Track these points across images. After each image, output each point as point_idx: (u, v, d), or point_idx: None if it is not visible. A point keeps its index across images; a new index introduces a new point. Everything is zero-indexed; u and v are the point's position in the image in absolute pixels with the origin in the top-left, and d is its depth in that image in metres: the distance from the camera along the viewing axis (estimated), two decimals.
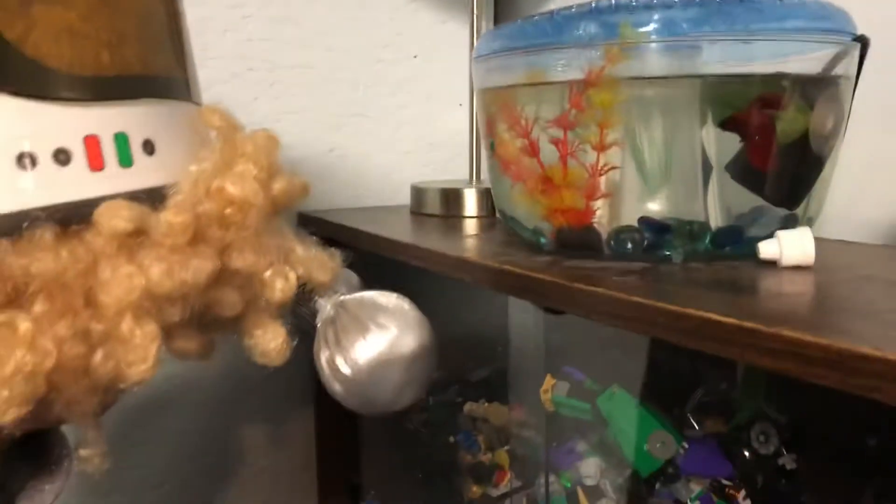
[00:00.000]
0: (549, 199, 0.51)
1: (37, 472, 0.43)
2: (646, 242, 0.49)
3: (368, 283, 0.51)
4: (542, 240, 0.53)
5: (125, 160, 0.36)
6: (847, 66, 0.48)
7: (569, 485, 0.57)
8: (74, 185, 0.35)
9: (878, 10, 0.56)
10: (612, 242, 0.49)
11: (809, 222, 0.52)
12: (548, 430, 0.60)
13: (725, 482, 0.53)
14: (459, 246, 0.61)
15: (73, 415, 0.37)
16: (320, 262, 0.43)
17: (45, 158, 0.34)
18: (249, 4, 0.83)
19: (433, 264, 0.58)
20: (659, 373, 0.58)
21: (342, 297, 0.44)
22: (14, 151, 0.34)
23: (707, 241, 0.48)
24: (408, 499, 0.86)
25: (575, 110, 0.48)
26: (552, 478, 0.58)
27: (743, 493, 0.53)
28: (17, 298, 0.33)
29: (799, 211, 0.50)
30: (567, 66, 0.48)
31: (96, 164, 0.35)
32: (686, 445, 0.54)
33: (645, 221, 0.48)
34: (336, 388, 0.43)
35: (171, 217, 0.35)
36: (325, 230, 0.77)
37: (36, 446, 0.44)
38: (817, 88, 0.47)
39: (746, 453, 0.53)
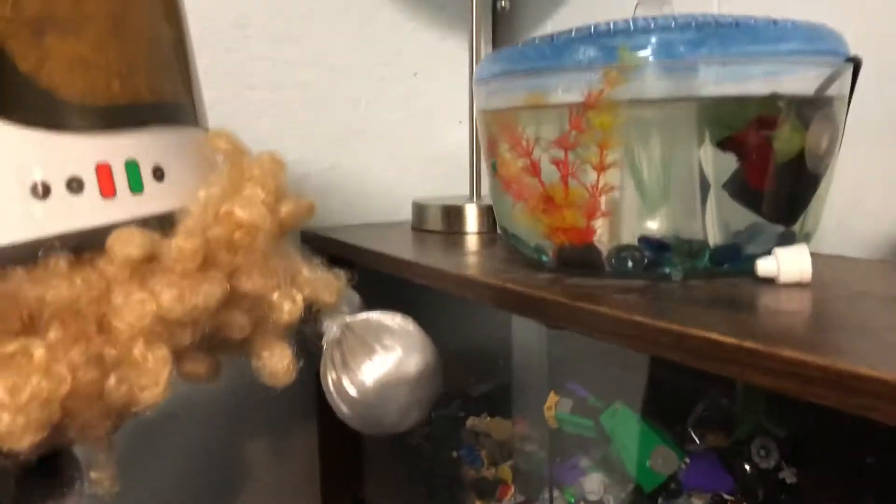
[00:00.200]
0: (550, 217, 0.52)
1: (49, 494, 0.44)
2: (646, 260, 0.49)
3: (371, 298, 0.52)
4: (544, 257, 0.54)
5: (136, 187, 0.37)
6: (840, 86, 0.49)
7: (572, 500, 0.57)
8: (87, 212, 0.35)
9: (870, 27, 0.58)
10: (613, 260, 0.50)
11: (807, 238, 0.52)
12: (551, 446, 0.60)
13: (727, 496, 0.54)
14: (461, 263, 0.62)
15: (87, 438, 0.38)
16: (326, 283, 0.43)
17: (58, 187, 0.35)
18: (251, 24, 0.85)
19: (435, 282, 0.58)
20: (660, 387, 0.59)
21: (348, 319, 0.45)
22: (28, 181, 0.34)
23: (706, 258, 0.49)
24: None
25: (575, 132, 0.49)
26: (556, 493, 0.59)
27: None
28: (32, 325, 0.34)
29: (796, 227, 0.51)
30: (567, 89, 0.49)
31: (108, 191, 0.36)
32: (687, 461, 0.54)
33: (645, 240, 0.49)
34: (343, 409, 0.44)
35: (181, 243, 0.36)
36: (327, 247, 0.77)
37: (48, 468, 0.44)
38: (812, 108, 0.48)
39: (747, 467, 0.54)
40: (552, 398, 0.56)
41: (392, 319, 0.45)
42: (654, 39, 0.46)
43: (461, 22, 0.96)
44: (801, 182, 0.50)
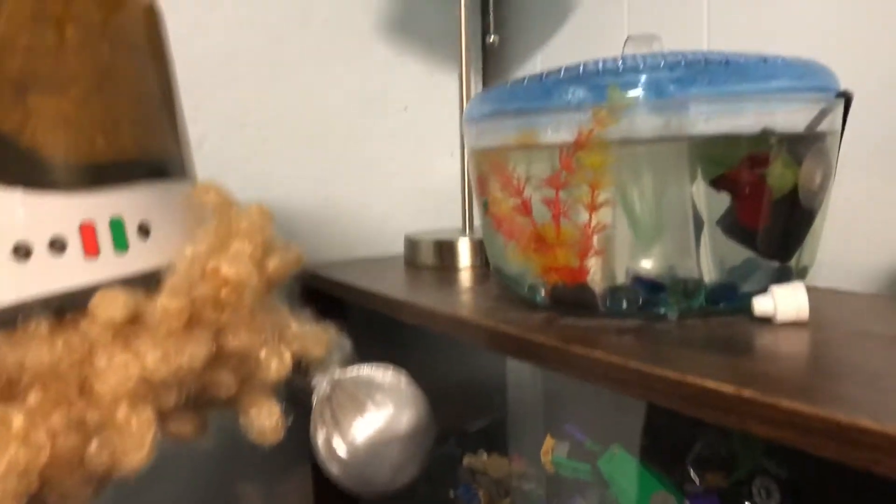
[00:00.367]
0: (542, 257, 0.51)
1: None
2: (641, 300, 0.49)
3: (364, 333, 0.51)
4: (537, 297, 0.53)
5: (120, 245, 0.36)
6: (832, 121, 0.49)
7: None
8: (70, 273, 0.35)
9: (860, 59, 0.57)
10: (608, 301, 0.49)
11: (803, 273, 0.52)
12: (548, 489, 0.59)
13: None
14: (454, 302, 0.61)
15: None
16: (315, 337, 0.43)
17: (40, 248, 0.34)
18: (240, 62, 0.84)
19: (428, 322, 0.58)
20: (658, 425, 0.58)
21: (337, 375, 0.44)
22: (9, 243, 0.34)
23: (701, 298, 0.48)
24: None
25: (566, 172, 0.48)
26: None
27: None
28: (11, 390, 0.33)
29: (792, 262, 0.51)
30: (557, 129, 0.48)
31: (91, 250, 0.35)
32: (687, 503, 0.53)
33: (639, 280, 0.48)
34: (333, 469, 0.43)
35: (166, 302, 0.35)
36: (320, 285, 0.77)
37: None
38: (804, 144, 0.48)
39: None
40: (548, 442, 0.55)
41: (383, 374, 0.45)
42: (643, 78, 0.46)
43: (451, 56, 0.97)
44: (796, 218, 0.49)
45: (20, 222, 0.34)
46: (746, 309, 0.47)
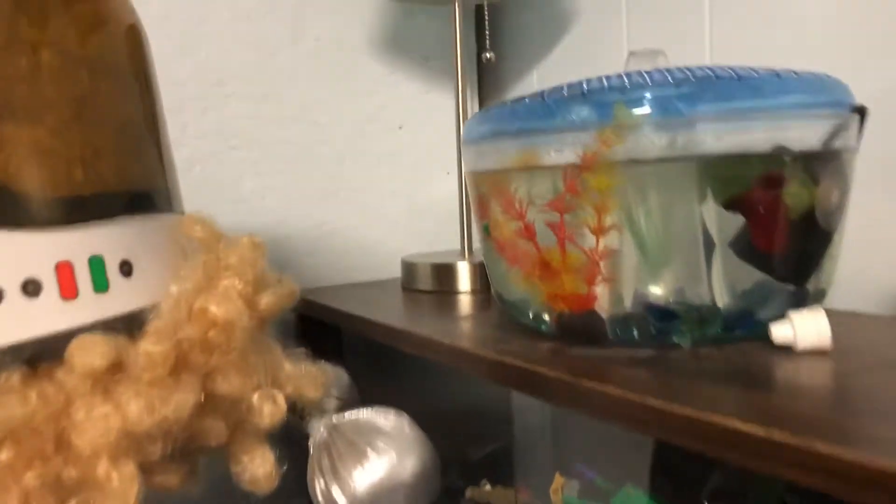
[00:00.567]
0: (548, 283, 0.49)
1: None
2: (653, 329, 0.46)
3: (361, 359, 0.48)
4: (543, 326, 0.51)
5: (101, 285, 0.33)
6: (848, 137, 0.47)
7: None
8: (44, 317, 0.32)
9: (869, 72, 0.56)
10: (618, 330, 0.47)
11: (820, 295, 0.49)
12: None
13: None
14: (455, 331, 0.58)
15: None
16: (310, 378, 0.40)
17: (12, 291, 0.31)
18: (230, 82, 0.82)
19: (429, 353, 0.55)
20: (670, 456, 0.55)
21: (336, 420, 0.41)
22: None
23: (717, 326, 0.46)
24: None
25: (570, 194, 0.46)
26: None
27: None
28: None
29: (809, 285, 0.48)
30: (560, 150, 0.46)
31: (69, 292, 0.32)
32: None
33: (650, 308, 0.46)
34: None
35: (150, 347, 0.33)
36: (315, 312, 0.74)
37: None
38: (820, 162, 0.46)
39: None
40: (558, 480, 0.52)
41: (385, 418, 0.42)
42: (651, 96, 0.44)
43: (445, 73, 0.95)
44: (813, 239, 0.47)
45: None
46: (763, 335, 0.45)
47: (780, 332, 0.44)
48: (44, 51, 0.33)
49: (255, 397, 0.37)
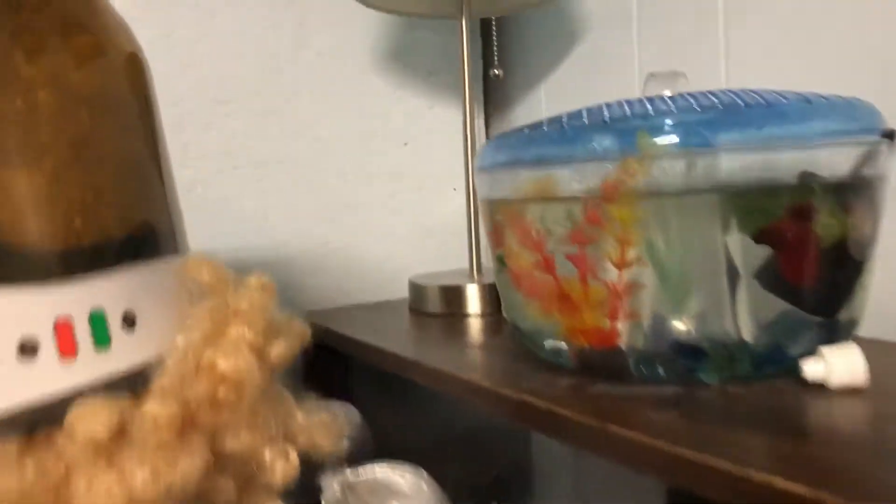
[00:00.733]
0: (568, 318, 0.47)
1: None
2: (679, 367, 0.44)
3: (370, 379, 0.46)
4: (562, 360, 0.49)
5: (102, 341, 0.31)
6: (880, 164, 0.45)
7: None
8: (42, 380, 0.30)
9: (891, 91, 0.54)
10: (642, 367, 0.45)
11: (851, 326, 0.47)
12: None
13: None
14: (468, 362, 0.56)
15: None
16: (324, 429, 0.38)
17: (7, 353, 0.29)
18: (232, 100, 0.80)
19: (441, 386, 0.53)
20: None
21: (351, 478, 0.39)
22: None
23: (746, 364, 0.44)
24: None
25: (592, 226, 0.44)
26: None
27: None
28: None
29: (840, 317, 0.46)
30: (580, 181, 0.44)
31: (68, 351, 0.30)
32: None
33: (677, 346, 0.44)
34: None
35: (155, 411, 0.30)
36: (322, 337, 0.72)
37: None
38: (851, 190, 0.44)
39: None
40: None
41: (402, 476, 0.40)
42: (676, 123, 0.42)
43: (451, 88, 0.93)
44: (845, 270, 0.45)
45: None
46: (793, 370, 0.43)
47: (811, 369, 0.43)
48: (41, 90, 0.31)
49: (267, 454, 0.35)
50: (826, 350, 0.43)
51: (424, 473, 0.41)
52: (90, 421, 0.29)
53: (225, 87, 0.80)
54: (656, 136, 0.42)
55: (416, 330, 0.70)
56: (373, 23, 0.88)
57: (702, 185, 0.43)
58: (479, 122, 0.98)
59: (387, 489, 0.39)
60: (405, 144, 0.90)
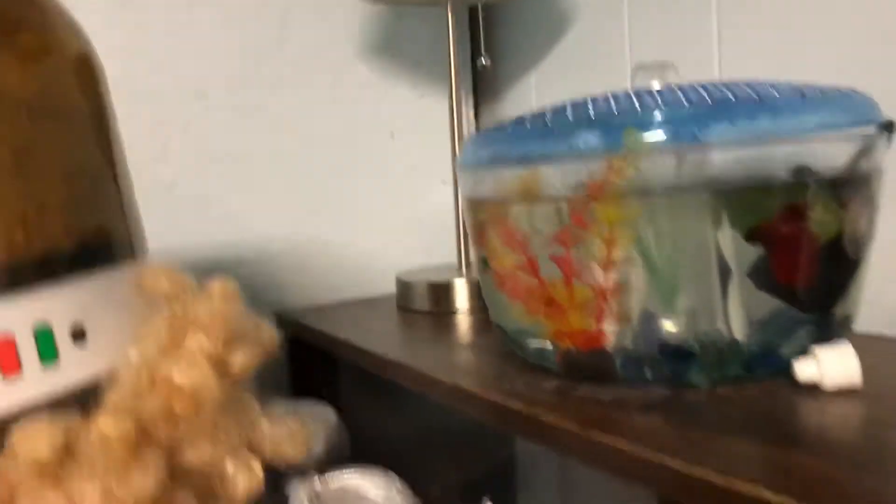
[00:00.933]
0: (553, 320, 0.46)
1: None
2: (668, 371, 0.43)
3: (357, 377, 0.44)
4: (547, 362, 0.47)
5: (48, 356, 0.30)
6: (877, 157, 0.43)
7: None
8: None
9: (889, 82, 0.52)
10: (628, 369, 0.44)
11: (846, 323, 0.46)
12: None
13: None
14: (453, 363, 0.55)
15: None
16: (291, 436, 0.36)
17: None
18: (212, 94, 0.78)
19: (425, 389, 0.52)
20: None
21: (319, 487, 0.37)
22: None
23: (737, 366, 0.42)
24: None
25: (577, 226, 0.42)
26: None
27: None
28: None
29: (835, 314, 0.45)
30: (565, 179, 0.43)
31: (11, 369, 0.29)
32: None
33: (665, 349, 0.43)
34: None
35: (106, 428, 0.29)
36: (305, 336, 0.71)
37: None
38: (847, 185, 0.42)
39: None
40: None
41: (371, 482, 0.38)
42: (664, 119, 0.40)
43: (439, 77, 0.91)
44: (841, 268, 0.43)
45: None
46: (785, 370, 0.42)
47: (804, 370, 0.41)
48: None
49: (229, 466, 0.33)
50: (820, 350, 0.41)
51: (397, 479, 0.40)
52: (33, 441, 0.28)
53: (205, 81, 0.78)
54: (643, 133, 0.40)
55: (401, 329, 0.68)
56: (358, 12, 0.86)
57: (691, 182, 0.41)
58: (469, 113, 0.96)
59: (356, 496, 0.38)
60: (392, 136, 0.88)
